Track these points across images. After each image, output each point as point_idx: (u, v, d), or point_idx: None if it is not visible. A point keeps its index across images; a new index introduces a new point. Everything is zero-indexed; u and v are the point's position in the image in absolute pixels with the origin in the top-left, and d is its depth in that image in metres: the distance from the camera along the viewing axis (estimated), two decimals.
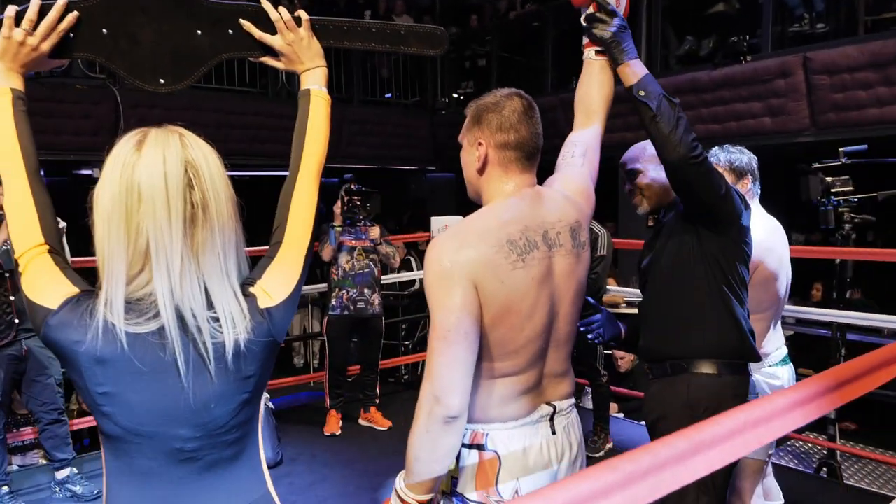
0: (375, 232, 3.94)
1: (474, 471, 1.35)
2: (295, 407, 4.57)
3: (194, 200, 0.92)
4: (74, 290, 0.93)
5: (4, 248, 2.90)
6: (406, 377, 5.44)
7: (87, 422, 3.85)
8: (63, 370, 3.24)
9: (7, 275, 2.95)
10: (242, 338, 0.94)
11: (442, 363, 1.24)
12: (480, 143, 1.39)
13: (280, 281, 1.01)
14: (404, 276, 5.51)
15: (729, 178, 2.17)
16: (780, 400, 0.78)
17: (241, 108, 5.91)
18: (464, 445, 1.35)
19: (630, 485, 0.59)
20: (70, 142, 4.92)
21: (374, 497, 3.26)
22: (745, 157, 2.21)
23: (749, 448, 0.71)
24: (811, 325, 4.25)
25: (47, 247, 0.96)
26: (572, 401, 1.45)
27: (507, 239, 1.30)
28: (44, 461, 3.54)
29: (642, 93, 1.55)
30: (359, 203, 3.83)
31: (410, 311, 6.06)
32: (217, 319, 0.93)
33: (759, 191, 2.26)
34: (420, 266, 6.25)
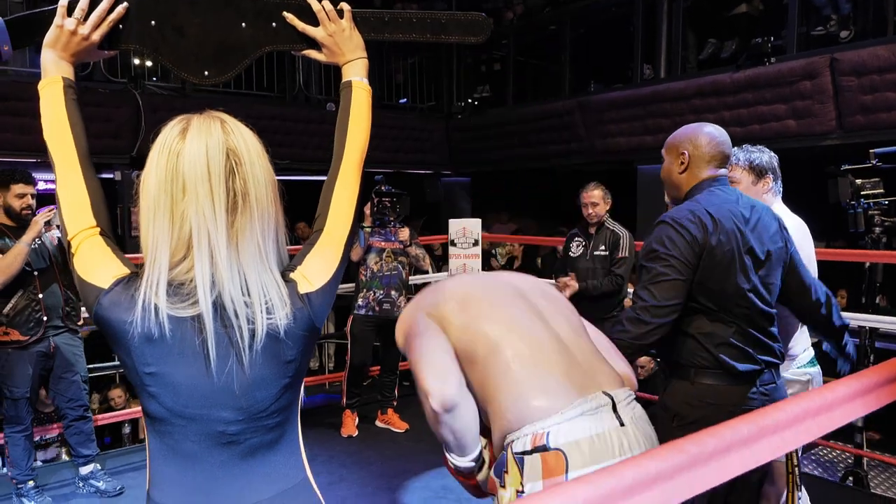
0: (405, 233, 3.95)
1: (539, 470, 1.26)
2: (311, 408, 4.57)
3: (236, 188, 0.93)
4: (125, 270, 0.95)
5: (33, 247, 2.94)
6: None
7: (108, 418, 3.87)
8: (88, 371, 3.27)
9: (36, 273, 2.99)
10: (283, 323, 0.94)
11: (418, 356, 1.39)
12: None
13: (320, 267, 1.02)
14: (419, 279, 5.51)
15: (749, 178, 2.17)
16: (840, 389, 0.75)
17: (259, 113, 5.94)
18: (525, 453, 1.27)
19: (695, 466, 0.57)
20: (92, 145, 4.92)
21: (392, 498, 3.24)
22: (764, 155, 2.19)
23: (811, 436, 0.69)
24: None
25: (98, 229, 0.98)
26: (630, 392, 1.41)
27: None
28: (67, 457, 3.57)
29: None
30: (389, 205, 3.85)
31: None
32: (256, 305, 0.93)
33: (780, 189, 2.23)
34: (435, 269, 6.23)
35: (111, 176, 5.61)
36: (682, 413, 1.69)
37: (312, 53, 1.20)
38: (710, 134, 1.79)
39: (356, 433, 4.01)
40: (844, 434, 3.59)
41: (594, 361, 1.40)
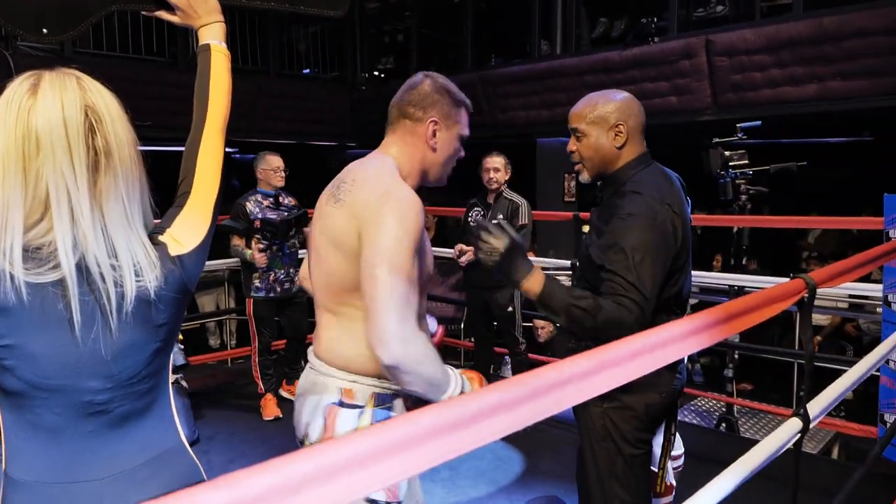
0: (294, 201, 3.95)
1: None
2: (212, 386, 4.44)
3: (97, 146, 0.89)
4: None
5: None
6: None
7: None
8: None
9: None
10: (153, 286, 0.92)
11: None
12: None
13: (191, 228, 1.00)
14: None
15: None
16: (676, 328, 0.84)
17: (150, 78, 5.57)
18: None
19: (536, 398, 0.62)
20: None
21: None
22: None
23: (649, 369, 0.77)
24: (713, 293, 4.55)
25: None
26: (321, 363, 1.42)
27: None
28: None
29: (547, 310, 1.52)
30: (273, 233, 3.80)
31: None
32: (125, 267, 0.90)
33: None
34: None
35: None
36: (611, 394, 1.52)
37: (165, 15, 1.15)
38: (636, 101, 1.66)
39: (281, 414, 3.87)
40: (720, 386, 3.96)
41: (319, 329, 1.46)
